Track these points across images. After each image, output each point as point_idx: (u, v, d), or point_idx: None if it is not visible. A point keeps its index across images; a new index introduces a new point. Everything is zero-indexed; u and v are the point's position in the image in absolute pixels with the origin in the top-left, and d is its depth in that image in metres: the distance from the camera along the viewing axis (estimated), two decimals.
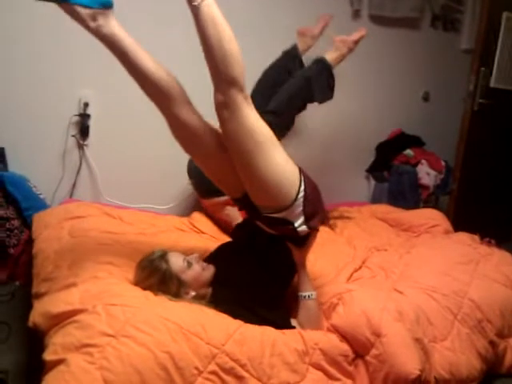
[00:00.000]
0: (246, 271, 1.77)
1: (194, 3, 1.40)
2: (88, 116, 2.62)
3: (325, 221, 2.82)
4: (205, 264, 1.76)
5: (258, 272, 1.76)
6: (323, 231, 2.68)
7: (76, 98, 2.58)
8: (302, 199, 1.60)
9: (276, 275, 1.74)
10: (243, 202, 1.71)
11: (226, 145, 1.56)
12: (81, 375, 1.36)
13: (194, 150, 1.65)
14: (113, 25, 1.48)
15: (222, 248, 1.95)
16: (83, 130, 2.62)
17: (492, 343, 1.91)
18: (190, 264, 1.70)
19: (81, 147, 2.64)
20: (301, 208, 1.61)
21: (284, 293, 1.88)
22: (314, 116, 3.30)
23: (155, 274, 1.67)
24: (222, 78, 1.44)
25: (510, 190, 4.04)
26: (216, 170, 1.68)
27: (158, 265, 1.68)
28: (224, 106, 1.47)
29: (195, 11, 1.41)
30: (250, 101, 1.49)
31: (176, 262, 1.69)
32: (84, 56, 2.54)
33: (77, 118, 2.60)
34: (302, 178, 1.62)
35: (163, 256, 1.69)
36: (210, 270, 1.76)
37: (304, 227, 1.63)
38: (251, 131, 1.48)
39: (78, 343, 1.44)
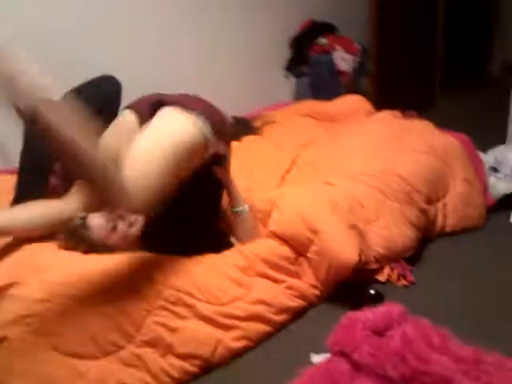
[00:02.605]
0: (172, 211, 1.71)
1: None
2: None
3: (252, 129, 2.78)
4: (133, 218, 1.64)
5: (183, 209, 1.70)
6: (252, 140, 2.68)
7: None
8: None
9: (201, 204, 1.68)
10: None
11: None
12: (26, 348, 1.34)
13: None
14: None
15: None
16: None
17: (423, 211, 2.00)
18: (114, 227, 1.60)
19: None
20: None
21: (216, 216, 1.87)
22: (218, 25, 3.14)
23: (81, 244, 1.60)
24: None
25: (428, 57, 4.09)
26: None
27: (81, 234, 1.59)
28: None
29: None
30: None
31: (98, 227, 1.59)
32: None
33: None
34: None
35: (84, 224, 1.59)
36: (138, 224, 1.66)
37: (206, 129, 1.53)
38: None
39: (17, 316, 1.40)
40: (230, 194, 1.77)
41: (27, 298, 1.42)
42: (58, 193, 1.88)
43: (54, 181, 2.00)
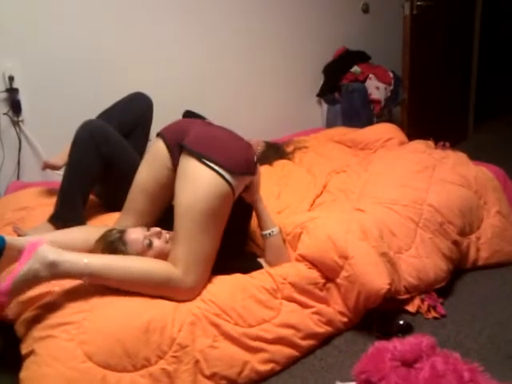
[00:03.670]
0: None
1: None
2: (16, 90, 2.46)
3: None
4: (169, 235, 1.66)
5: None
6: (283, 164, 2.70)
7: None
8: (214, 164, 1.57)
9: (229, 224, 1.68)
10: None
11: None
12: (59, 353, 1.36)
13: None
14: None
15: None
16: (15, 106, 2.47)
17: (455, 243, 1.98)
18: (150, 243, 1.63)
19: (16, 124, 2.50)
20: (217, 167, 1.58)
21: (244, 237, 1.89)
22: (253, 51, 3.21)
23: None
24: None
25: (462, 89, 4.08)
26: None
27: (116, 247, 1.62)
28: None
29: None
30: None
31: (135, 242, 1.61)
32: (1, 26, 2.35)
33: (4, 94, 2.44)
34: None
35: (121, 237, 1.63)
36: None
37: (228, 176, 1.58)
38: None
39: (54, 323, 1.43)
40: (258, 216, 1.80)
41: (65, 307, 1.47)
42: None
43: (92, 196, 2.07)
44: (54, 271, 1.43)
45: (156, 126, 2.25)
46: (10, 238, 1.54)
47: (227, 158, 1.59)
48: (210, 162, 1.57)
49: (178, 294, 1.54)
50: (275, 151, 2.83)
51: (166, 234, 1.66)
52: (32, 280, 1.42)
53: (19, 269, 1.41)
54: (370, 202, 2.06)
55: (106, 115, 2.15)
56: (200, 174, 1.58)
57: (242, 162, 1.64)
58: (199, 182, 1.56)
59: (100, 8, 2.60)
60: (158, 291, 1.54)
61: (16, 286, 1.40)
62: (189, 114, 2.66)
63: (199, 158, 1.59)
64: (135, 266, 1.53)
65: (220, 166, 1.57)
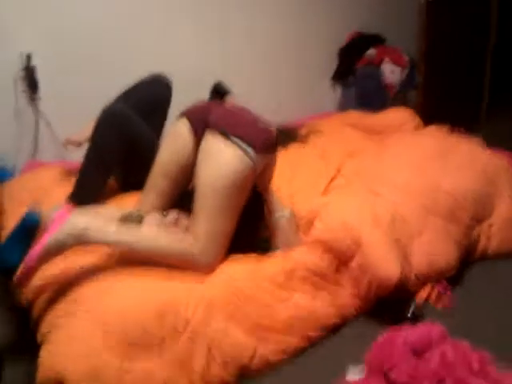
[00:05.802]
0: None
1: None
2: (33, 68, 2.47)
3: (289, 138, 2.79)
4: (186, 222, 1.68)
5: None
6: (296, 148, 2.69)
7: (16, 51, 2.42)
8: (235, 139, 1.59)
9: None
10: None
11: None
12: (77, 333, 1.40)
13: None
14: None
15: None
16: (32, 84, 2.48)
17: (467, 229, 1.98)
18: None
19: (33, 101, 2.51)
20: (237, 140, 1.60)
21: (258, 224, 1.91)
22: (267, 33, 3.18)
23: None
24: None
25: (477, 74, 4.02)
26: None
27: None
28: None
29: None
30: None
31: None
32: (16, 5, 2.35)
33: (22, 73, 2.45)
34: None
35: (139, 222, 1.67)
36: None
37: (252, 152, 1.61)
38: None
39: (71, 304, 1.47)
40: (267, 202, 1.82)
41: (83, 290, 1.50)
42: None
43: (111, 182, 2.10)
44: (83, 238, 1.48)
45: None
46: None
47: (251, 134, 1.62)
48: (235, 137, 1.60)
49: (197, 267, 1.58)
50: (289, 135, 2.82)
51: (183, 222, 1.68)
52: (60, 247, 1.46)
53: (48, 237, 1.44)
54: (384, 185, 2.05)
55: (126, 97, 2.16)
56: (224, 149, 1.60)
57: (264, 139, 1.66)
58: (223, 158, 1.59)
59: None
60: (179, 263, 1.57)
61: (45, 252, 1.44)
62: (219, 86, 2.64)
63: (224, 133, 1.61)
64: (160, 238, 1.57)
65: (244, 141, 1.59)
